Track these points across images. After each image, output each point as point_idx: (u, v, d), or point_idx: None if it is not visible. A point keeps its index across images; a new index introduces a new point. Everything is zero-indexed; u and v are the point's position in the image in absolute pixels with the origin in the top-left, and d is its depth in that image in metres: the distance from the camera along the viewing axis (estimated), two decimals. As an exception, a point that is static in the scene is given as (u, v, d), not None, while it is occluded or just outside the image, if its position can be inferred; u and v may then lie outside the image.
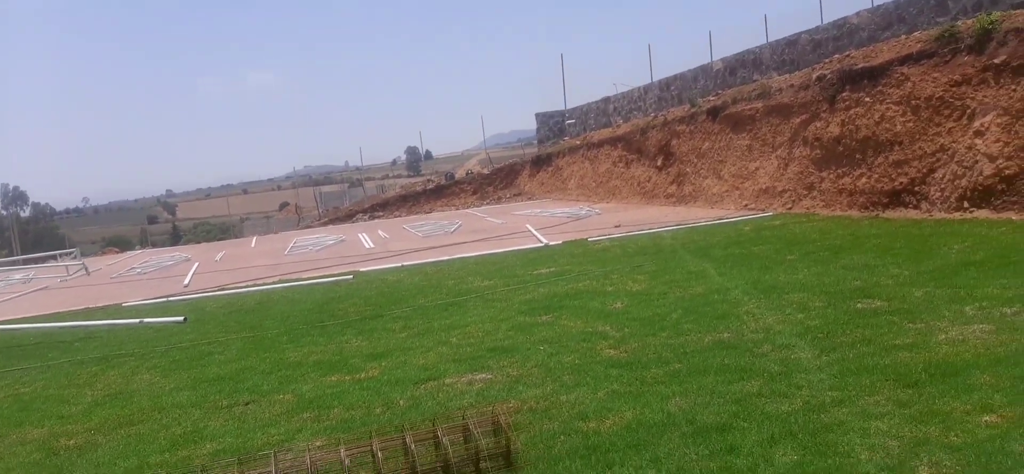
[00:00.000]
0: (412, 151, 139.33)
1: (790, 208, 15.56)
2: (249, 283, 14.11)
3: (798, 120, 16.34)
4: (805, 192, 15.59)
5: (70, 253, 25.04)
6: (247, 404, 5.97)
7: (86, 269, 20.77)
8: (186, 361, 7.83)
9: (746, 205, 17.06)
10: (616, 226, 16.81)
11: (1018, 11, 12.78)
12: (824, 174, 15.16)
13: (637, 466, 4.00)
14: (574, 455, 4.23)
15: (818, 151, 15.46)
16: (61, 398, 6.79)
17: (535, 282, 10.37)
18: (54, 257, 25.22)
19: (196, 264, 19.12)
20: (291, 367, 7.02)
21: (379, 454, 4.00)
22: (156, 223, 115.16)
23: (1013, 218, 10.72)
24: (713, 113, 19.97)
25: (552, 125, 35.31)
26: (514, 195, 32.62)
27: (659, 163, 22.26)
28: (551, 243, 14.99)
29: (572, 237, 15.65)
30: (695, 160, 20.40)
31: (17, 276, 21.60)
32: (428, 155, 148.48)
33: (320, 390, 6.12)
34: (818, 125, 15.63)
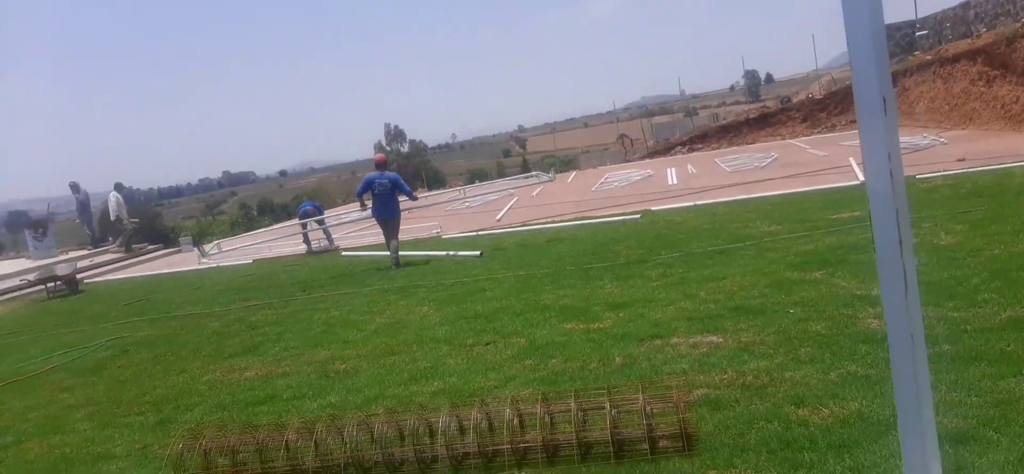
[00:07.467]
0: (751, 75, 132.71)
1: None
2: (549, 219, 14.83)
3: None
4: None
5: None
6: (486, 345, 6.36)
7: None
8: (461, 296, 8.57)
9: None
10: (959, 159, 14.19)
11: None
12: None
13: (829, 473, 3.43)
14: (763, 447, 3.76)
15: None
16: (354, 323, 7.94)
17: (826, 229, 9.28)
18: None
19: (514, 199, 20.63)
20: (540, 310, 7.28)
21: (549, 418, 4.00)
22: (509, 156, 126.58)
23: None
24: (1116, 12, 15.57)
25: (899, 38, 30.64)
26: (850, 122, 29.22)
27: (1034, 79, 18.13)
28: (869, 181, 13.21)
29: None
30: (1085, 74, 16.23)
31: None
32: (768, 78, 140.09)
33: (552, 337, 6.27)
34: None
